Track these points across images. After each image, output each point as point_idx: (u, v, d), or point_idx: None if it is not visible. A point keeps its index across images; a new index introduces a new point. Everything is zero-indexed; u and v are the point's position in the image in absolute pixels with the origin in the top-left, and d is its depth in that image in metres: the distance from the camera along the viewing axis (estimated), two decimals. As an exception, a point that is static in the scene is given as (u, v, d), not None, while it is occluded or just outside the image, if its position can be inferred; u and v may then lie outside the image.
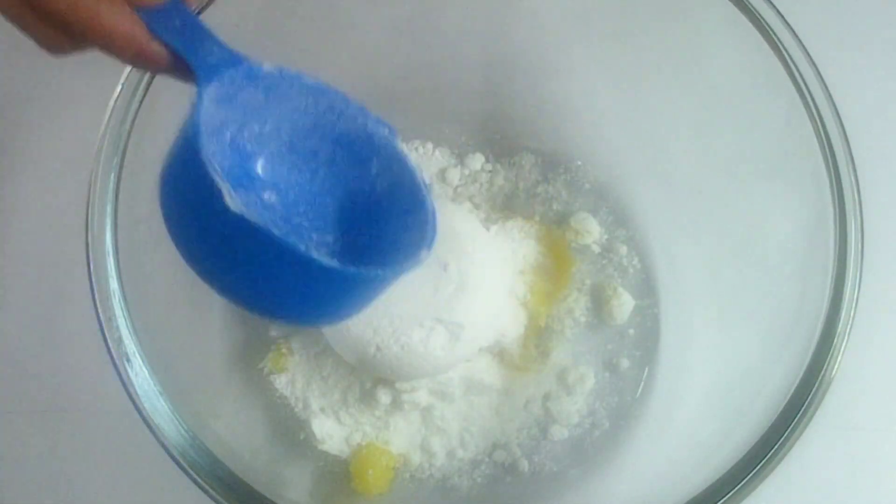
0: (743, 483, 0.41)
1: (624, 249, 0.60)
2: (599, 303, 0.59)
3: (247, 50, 0.38)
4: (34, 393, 0.59)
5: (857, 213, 0.44)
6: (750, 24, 0.47)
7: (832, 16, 0.65)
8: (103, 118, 0.46)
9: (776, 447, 0.41)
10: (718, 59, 0.51)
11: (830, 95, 0.45)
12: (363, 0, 0.55)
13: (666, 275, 0.59)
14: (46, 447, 0.58)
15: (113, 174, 0.45)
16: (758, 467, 0.41)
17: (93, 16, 0.34)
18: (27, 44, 0.36)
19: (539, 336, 0.57)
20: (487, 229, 0.57)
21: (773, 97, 0.47)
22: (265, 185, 0.42)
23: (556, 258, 0.58)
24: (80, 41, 0.36)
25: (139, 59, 0.36)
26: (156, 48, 0.36)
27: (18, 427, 0.58)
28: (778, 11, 0.46)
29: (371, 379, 0.55)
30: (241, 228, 0.34)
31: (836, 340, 0.43)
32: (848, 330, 0.43)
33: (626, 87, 0.57)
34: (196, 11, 0.39)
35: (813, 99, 0.46)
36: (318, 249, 0.42)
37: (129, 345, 0.43)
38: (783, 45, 0.46)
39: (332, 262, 0.37)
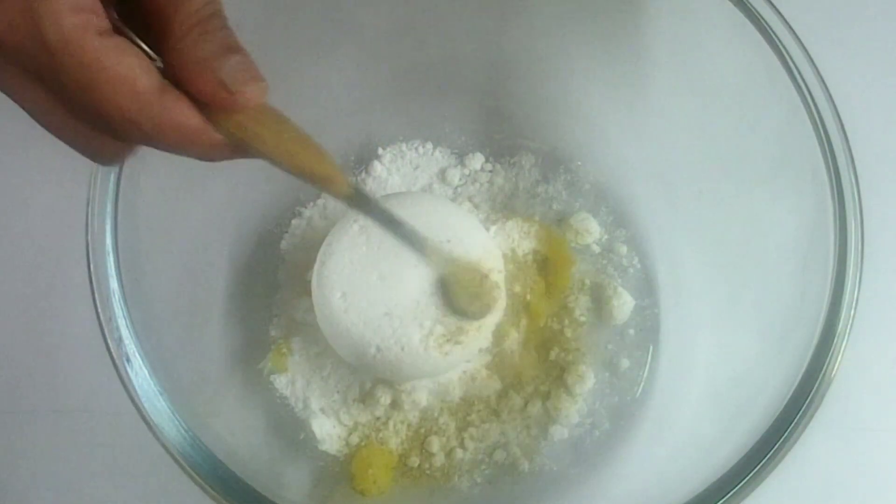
0: (743, 483, 0.41)
1: (624, 249, 0.60)
2: (599, 303, 0.59)
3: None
4: (34, 393, 0.59)
5: (857, 213, 0.44)
6: (750, 25, 0.47)
7: (832, 16, 0.65)
8: (103, 118, 0.45)
9: (776, 447, 0.41)
10: (718, 59, 0.51)
11: (830, 95, 0.45)
12: (364, 0, 0.55)
13: (666, 275, 0.59)
14: (46, 447, 0.58)
15: (113, 174, 0.45)
16: (758, 467, 0.41)
17: (161, 111, 0.29)
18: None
19: (539, 336, 0.57)
20: (487, 229, 0.57)
21: (773, 97, 0.47)
22: None
23: (556, 258, 0.58)
24: (140, 142, 0.31)
25: (209, 151, 0.31)
26: (218, 138, 0.31)
27: (18, 427, 0.58)
28: (778, 11, 0.46)
29: (371, 379, 0.55)
30: None
31: (836, 340, 0.43)
32: (848, 330, 0.43)
33: (626, 87, 0.57)
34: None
35: (813, 99, 0.45)
36: None
37: (129, 345, 0.43)
38: (783, 45, 0.46)
39: None
